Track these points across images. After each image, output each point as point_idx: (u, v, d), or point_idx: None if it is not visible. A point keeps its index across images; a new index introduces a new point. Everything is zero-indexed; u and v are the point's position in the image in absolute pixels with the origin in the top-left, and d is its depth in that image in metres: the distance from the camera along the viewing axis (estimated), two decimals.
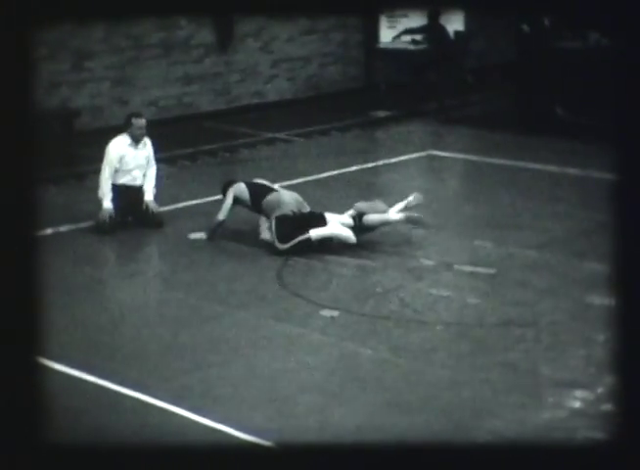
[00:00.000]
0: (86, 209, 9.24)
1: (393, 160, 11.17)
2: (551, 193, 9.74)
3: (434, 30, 13.76)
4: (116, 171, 8.72)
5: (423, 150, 11.52)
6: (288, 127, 12.49)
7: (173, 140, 11.63)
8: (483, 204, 9.52)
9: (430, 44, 13.75)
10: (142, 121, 8.74)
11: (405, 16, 13.92)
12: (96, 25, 11.89)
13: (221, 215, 8.37)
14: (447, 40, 13.84)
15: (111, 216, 8.60)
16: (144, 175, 8.84)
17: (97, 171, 10.48)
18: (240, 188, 8.45)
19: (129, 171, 8.77)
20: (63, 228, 8.81)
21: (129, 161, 8.74)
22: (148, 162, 8.84)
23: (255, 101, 13.57)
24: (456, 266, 7.85)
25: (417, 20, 13.89)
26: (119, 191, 8.74)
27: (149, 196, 8.81)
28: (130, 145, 8.74)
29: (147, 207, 8.76)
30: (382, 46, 14.13)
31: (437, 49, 13.67)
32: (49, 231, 8.69)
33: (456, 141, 12.02)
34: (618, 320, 2.60)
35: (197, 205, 9.59)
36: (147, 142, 8.86)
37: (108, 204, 8.63)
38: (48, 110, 11.47)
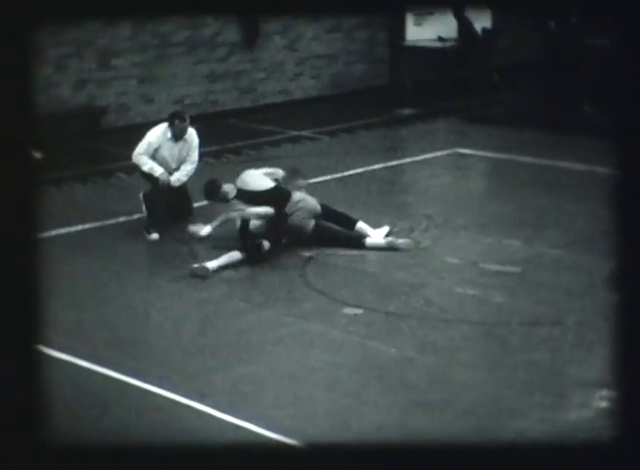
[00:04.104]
0: (112, 206, 9.29)
1: (419, 157, 11.13)
2: (578, 191, 9.66)
3: (459, 24, 13.65)
4: (153, 160, 8.72)
5: (448, 148, 11.47)
6: (313, 125, 12.48)
7: (198, 137, 11.64)
8: (509, 202, 9.47)
9: (459, 40, 13.65)
10: (183, 125, 8.76)
11: (431, 13, 13.87)
12: (122, 24, 11.93)
13: None
14: (473, 36, 13.74)
15: (167, 180, 8.56)
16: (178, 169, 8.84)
17: (123, 169, 10.56)
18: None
19: (165, 163, 8.75)
20: (89, 226, 8.85)
21: (164, 153, 8.74)
22: (187, 157, 8.83)
23: (280, 99, 13.57)
24: (481, 265, 7.81)
25: (443, 16, 13.81)
26: (152, 180, 8.73)
27: (172, 178, 8.70)
28: (169, 139, 8.75)
29: (173, 197, 8.73)
30: (407, 44, 14.08)
31: (463, 45, 13.58)
32: (75, 228, 8.74)
33: (482, 139, 11.95)
34: (621, 319, 2.58)
35: None
36: (189, 139, 8.83)
37: (159, 171, 8.60)
38: (74, 108, 11.54)
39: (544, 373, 6.01)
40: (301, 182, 8.51)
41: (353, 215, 8.53)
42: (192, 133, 8.88)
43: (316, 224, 8.11)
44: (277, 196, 8.09)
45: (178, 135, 8.74)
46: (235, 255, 7.79)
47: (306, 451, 3.31)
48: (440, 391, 5.81)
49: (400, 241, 8.12)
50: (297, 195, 8.20)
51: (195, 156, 8.87)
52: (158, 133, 8.74)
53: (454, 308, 6.99)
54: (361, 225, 8.29)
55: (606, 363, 6.02)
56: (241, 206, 8.11)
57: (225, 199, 8.23)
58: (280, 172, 8.53)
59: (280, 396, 5.78)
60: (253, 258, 7.81)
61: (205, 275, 7.51)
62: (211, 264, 7.63)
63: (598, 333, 6.45)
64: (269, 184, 8.19)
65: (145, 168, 8.68)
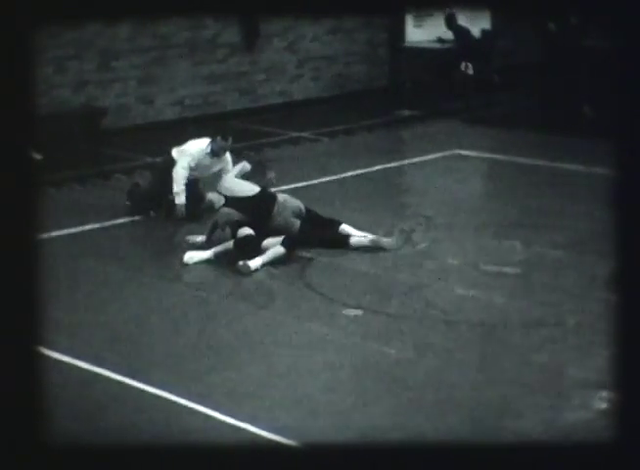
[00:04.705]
0: (112, 207, 9.29)
1: (418, 159, 11.14)
2: (578, 192, 9.67)
3: (455, 34, 13.77)
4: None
5: (448, 149, 11.47)
6: (313, 126, 12.48)
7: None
8: (509, 203, 9.47)
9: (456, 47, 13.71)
10: (224, 144, 8.88)
11: (431, 14, 13.88)
12: (122, 25, 11.94)
13: None
14: (471, 41, 13.78)
15: (183, 214, 8.76)
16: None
17: (123, 170, 10.58)
18: None
19: (195, 171, 8.92)
20: (88, 227, 8.86)
21: (200, 166, 8.92)
22: (221, 173, 8.92)
23: (281, 100, 13.57)
24: (482, 266, 7.81)
25: (443, 18, 13.83)
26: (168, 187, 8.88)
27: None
28: (208, 154, 8.91)
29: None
30: (407, 45, 14.09)
31: (461, 49, 13.62)
32: (75, 230, 8.75)
33: (482, 140, 11.96)
34: (621, 320, 2.59)
35: None
36: (224, 160, 8.95)
37: (182, 200, 8.78)
38: (74, 109, 11.54)
39: (544, 374, 6.01)
40: (270, 174, 8.55)
41: (353, 217, 8.54)
42: (227, 156, 8.99)
43: (302, 225, 8.13)
44: (265, 200, 8.16)
45: (216, 152, 8.90)
46: (279, 250, 7.82)
47: (306, 452, 3.30)
48: (440, 392, 5.81)
49: (385, 240, 8.11)
50: (281, 196, 8.27)
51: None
52: (197, 148, 8.90)
53: (454, 309, 6.98)
54: (344, 227, 8.31)
55: (606, 364, 6.03)
56: (226, 210, 8.15)
57: (211, 207, 8.33)
58: (247, 166, 8.57)
59: (280, 396, 5.78)
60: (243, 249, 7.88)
61: (246, 273, 7.62)
62: (255, 262, 7.69)
63: (598, 334, 6.44)
64: (255, 189, 8.23)
65: (175, 187, 8.81)
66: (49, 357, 5.97)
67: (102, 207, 9.42)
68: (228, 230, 8.15)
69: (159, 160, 9.63)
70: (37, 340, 2.55)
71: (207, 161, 8.93)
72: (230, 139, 8.96)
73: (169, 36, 12.52)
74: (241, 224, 8.04)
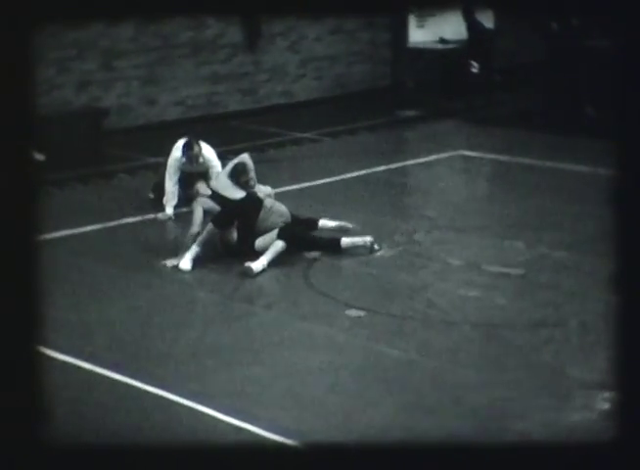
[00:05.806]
0: (114, 208, 9.30)
1: (422, 159, 11.13)
2: (581, 193, 9.66)
3: (470, 27, 13.66)
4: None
5: (451, 149, 11.46)
6: (315, 127, 12.48)
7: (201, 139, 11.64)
8: (512, 204, 9.46)
9: (469, 42, 13.64)
10: (191, 153, 8.90)
11: (433, 15, 13.87)
12: (125, 25, 11.94)
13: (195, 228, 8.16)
14: (484, 37, 13.71)
15: (170, 218, 8.85)
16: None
17: (125, 170, 10.59)
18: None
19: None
20: (90, 227, 8.86)
21: (186, 170, 9.04)
22: (208, 172, 9.02)
23: (283, 100, 13.57)
24: (484, 267, 7.80)
25: (445, 18, 13.81)
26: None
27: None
28: (185, 162, 9.00)
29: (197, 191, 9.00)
30: (410, 45, 14.08)
31: (471, 44, 13.56)
32: (77, 230, 8.75)
33: (485, 141, 11.94)
34: (621, 320, 2.58)
35: None
36: (207, 163, 8.99)
37: (170, 210, 8.97)
38: (77, 109, 11.55)
39: (547, 375, 6.00)
40: (251, 174, 8.29)
41: (356, 217, 8.54)
42: (207, 157, 9.00)
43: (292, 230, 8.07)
44: (250, 205, 8.03)
45: (189, 160, 8.98)
46: (278, 244, 7.83)
47: (306, 452, 3.30)
48: (443, 392, 5.80)
49: (377, 246, 8.08)
50: (268, 201, 8.15)
51: (216, 171, 8.98)
52: (174, 158, 8.99)
53: (457, 310, 6.98)
54: (323, 221, 8.29)
55: (608, 365, 6.02)
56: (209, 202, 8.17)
57: (197, 193, 8.47)
58: (245, 157, 8.35)
59: (282, 397, 5.78)
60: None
61: (252, 275, 7.62)
62: (260, 263, 7.68)
63: (600, 335, 6.44)
64: (240, 194, 8.07)
65: (165, 198, 9.00)
66: (49, 357, 5.98)
67: (104, 207, 9.43)
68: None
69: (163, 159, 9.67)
70: (37, 340, 2.54)
71: (188, 166, 9.03)
72: (196, 146, 8.95)
73: (172, 36, 12.52)
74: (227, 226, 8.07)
